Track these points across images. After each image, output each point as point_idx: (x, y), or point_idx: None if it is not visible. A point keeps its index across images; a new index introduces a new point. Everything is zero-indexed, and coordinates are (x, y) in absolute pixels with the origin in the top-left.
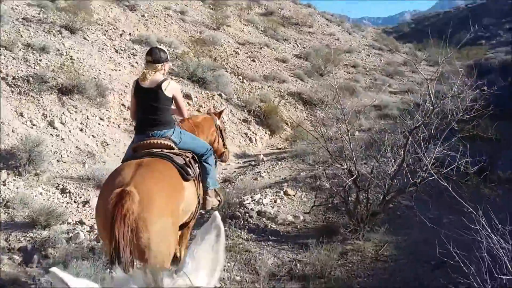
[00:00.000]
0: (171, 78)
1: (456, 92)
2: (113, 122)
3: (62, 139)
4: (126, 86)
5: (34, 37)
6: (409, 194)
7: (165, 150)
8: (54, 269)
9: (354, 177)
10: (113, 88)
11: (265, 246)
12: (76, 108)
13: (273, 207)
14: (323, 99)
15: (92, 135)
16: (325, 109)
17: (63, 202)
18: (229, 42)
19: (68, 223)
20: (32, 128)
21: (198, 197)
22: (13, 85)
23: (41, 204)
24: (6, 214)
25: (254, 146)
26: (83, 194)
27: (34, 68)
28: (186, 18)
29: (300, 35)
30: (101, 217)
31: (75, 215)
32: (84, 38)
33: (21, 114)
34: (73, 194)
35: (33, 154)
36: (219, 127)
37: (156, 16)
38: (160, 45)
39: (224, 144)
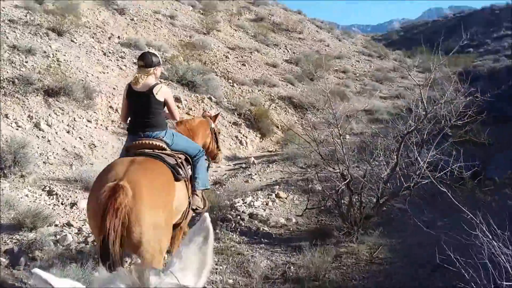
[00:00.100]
0: (159, 81)
1: (449, 98)
2: (101, 124)
3: (49, 140)
4: (114, 88)
5: (20, 39)
6: (403, 197)
7: (156, 151)
8: (36, 270)
9: (347, 181)
10: (100, 90)
11: (258, 249)
12: (62, 110)
13: (265, 210)
14: (314, 103)
15: (79, 137)
16: (317, 113)
17: (50, 204)
18: (219, 46)
19: (56, 225)
20: (17, 129)
21: (189, 198)
22: None
23: (27, 206)
24: None
25: (245, 148)
26: (70, 196)
27: (20, 70)
28: (175, 23)
29: (290, 40)
30: (93, 209)
31: (62, 217)
32: (72, 41)
33: (6, 116)
34: (60, 196)
35: (19, 156)
36: (214, 130)
37: (146, 20)
38: (149, 48)
39: (218, 147)
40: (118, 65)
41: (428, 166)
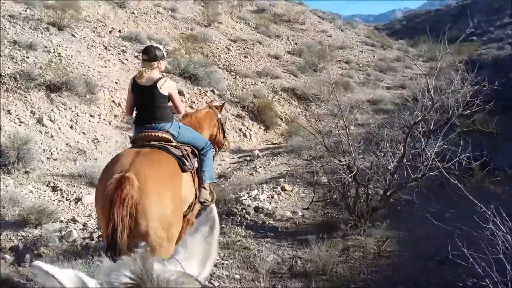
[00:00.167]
0: (162, 74)
1: (456, 87)
2: (104, 119)
3: (52, 136)
4: (116, 82)
5: (20, 34)
6: (410, 189)
7: (162, 142)
8: (37, 262)
9: (354, 173)
10: (103, 85)
11: (264, 243)
12: (65, 105)
13: (270, 203)
14: (318, 94)
15: (83, 132)
16: (321, 105)
17: (54, 200)
18: (220, 39)
19: (61, 221)
20: (20, 125)
21: (195, 190)
22: None
23: (32, 202)
24: None
25: (249, 141)
26: (75, 192)
27: (21, 66)
28: (176, 15)
29: (292, 32)
30: (100, 201)
31: (67, 213)
32: (72, 35)
33: (9, 112)
34: (64, 191)
35: (22, 152)
36: (220, 120)
37: (146, 13)
38: (150, 41)
39: (224, 136)
40: (119, 59)
41: (435, 157)
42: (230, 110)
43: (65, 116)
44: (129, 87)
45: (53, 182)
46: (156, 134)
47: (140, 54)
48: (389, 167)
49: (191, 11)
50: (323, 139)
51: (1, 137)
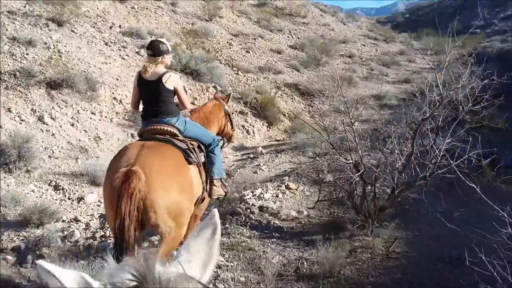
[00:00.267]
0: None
1: (466, 82)
2: (105, 116)
3: (53, 134)
4: (117, 79)
5: (20, 31)
6: (418, 187)
7: (168, 136)
8: (40, 261)
9: (361, 171)
10: (104, 81)
11: (269, 244)
12: (66, 102)
13: (275, 202)
14: (322, 90)
15: (84, 130)
16: (326, 101)
17: (56, 199)
18: (222, 33)
19: (63, 221)
20: (21, 123)
21: (203, 184)
22: None
23: (33, 202)
24: None
25: (252, 138)
26: (77, 191)
27: (21, 62)
28: (177, 10)
29: (294, 25)
30: (108, 195)
31: (69, 212)
32: (72, 31)
33: (9, 110)
34: (66, 190)
35: (23, 150)
36: (228, 111)
37: (147, 8)
38: (151, 37)
39: (232, 127)
40: (120, 55)
41: (444, 154)
42: (232, 106)
43: (66, 113)
44: (135, 81)
45: (54, 181)
46: (162, 128)
47: (145, 49)
48: (397, 165)
49: (192, 5)
50: (329, 136)
51: (1, 135)
